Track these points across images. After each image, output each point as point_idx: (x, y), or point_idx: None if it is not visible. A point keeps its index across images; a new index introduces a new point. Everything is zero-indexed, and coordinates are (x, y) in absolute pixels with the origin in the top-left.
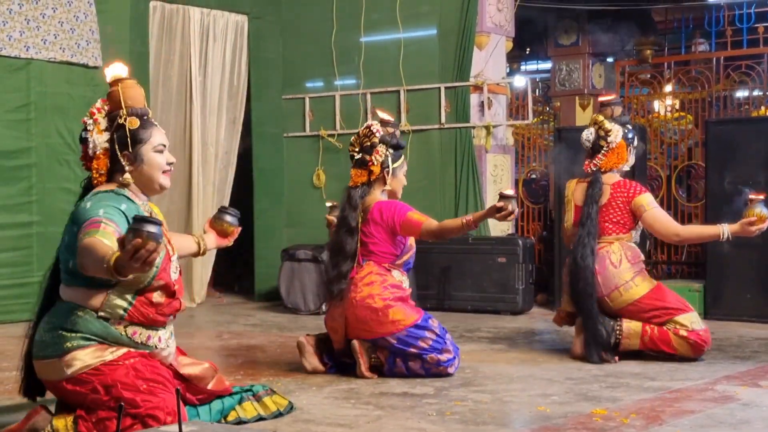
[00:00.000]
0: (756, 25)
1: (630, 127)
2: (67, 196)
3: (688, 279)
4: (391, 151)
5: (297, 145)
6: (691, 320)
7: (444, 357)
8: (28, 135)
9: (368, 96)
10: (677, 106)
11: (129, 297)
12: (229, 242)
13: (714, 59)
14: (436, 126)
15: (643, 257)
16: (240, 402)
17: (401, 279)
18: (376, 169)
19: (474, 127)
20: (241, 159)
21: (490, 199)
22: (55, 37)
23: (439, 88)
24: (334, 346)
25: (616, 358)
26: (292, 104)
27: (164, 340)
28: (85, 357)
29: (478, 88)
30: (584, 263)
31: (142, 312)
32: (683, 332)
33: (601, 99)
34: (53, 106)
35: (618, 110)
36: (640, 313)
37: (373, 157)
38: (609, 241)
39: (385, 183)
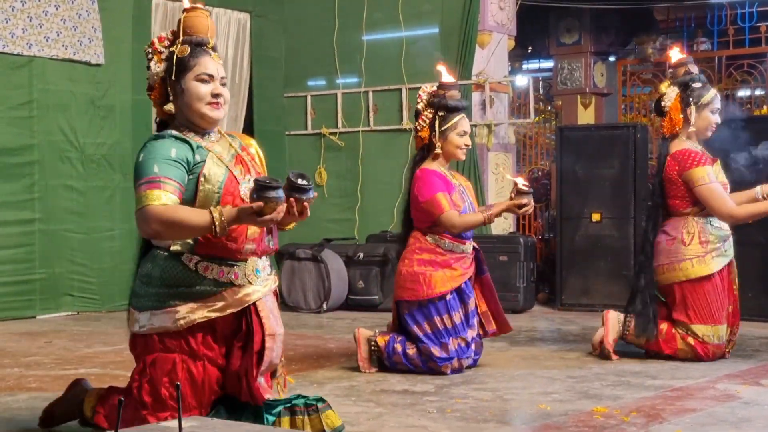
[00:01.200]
0: (758, 24)
1: (693, 85)
2: (69, 193)
3: None
4: (442, 113)
5: (299, 143)
6: (705, 333)
7: (438, 352)
8: (31, 132)
9: (370, 94)
10: None
11: None
12: (288, 218)
13: (716, 58)
14: None
15: (712, 237)
16: (292, 414)
17: (437, 242)
18: (424, 134)
19: (476, 126)
20: None
21: (492, 197)
22: (58, 35)
23: None
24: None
25: (616, 356)
26: (294, 102)
27: (243, 276)
28: (149, 319)
29: (479, 86)
30: (646, 237)
31: (213, 242)
32: (691, 340)
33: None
34: (55, 104)
35: (680, 71)
36: (667, 298)
37: (418, 123)
38: (680, 216)
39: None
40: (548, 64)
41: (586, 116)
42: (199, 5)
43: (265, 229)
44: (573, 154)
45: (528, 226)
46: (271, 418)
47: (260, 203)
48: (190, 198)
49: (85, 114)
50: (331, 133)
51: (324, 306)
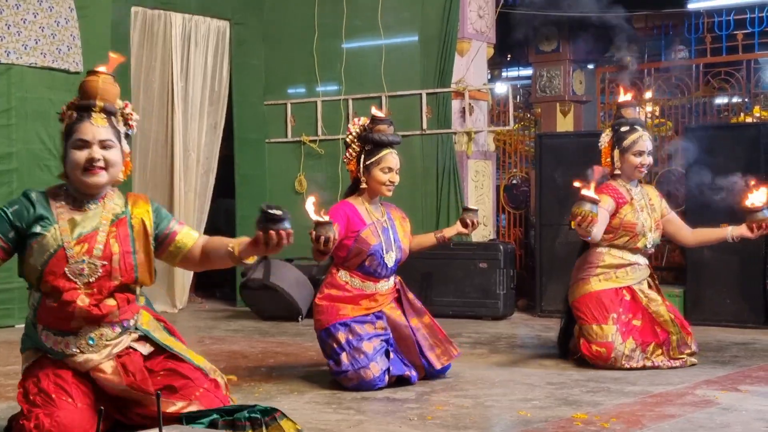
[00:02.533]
0: (735, 32)
1: (620, 129)
2: None
3: (668, 284)
4: (368, 147)
5: (279, 150)
6: (588, 331)
7: (335, 367)
8: (9, 140)
9: (350, 102)
10: (657, 113)
11: (37, 296)
12: (266, 249)
13: (693, 66)
14: (418, 132)
15: (602, 264)
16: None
17: (347, 279)
18: (351, 167)
19: (455, 133)
20: (223, 164)
21: (472, 204)
22: (36, 43)
23: (421, 94)
24: None
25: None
26: (274, 110)
27: (75, 345)
28: (23, 359)
29: (459, 94)
30: None
31: (45, 315)
32: (580, 341)
33: None
34: (34, 112)
35: (618, 114)
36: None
37: (346, 156)
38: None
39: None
40: (527, 71)
41: (565, 124)
42: (100, 69)
43: (114, 306)
44: (552, 161)
45: (508, 233)
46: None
47: None
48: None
49: None
50: (311, 141)
51: (300, 318)
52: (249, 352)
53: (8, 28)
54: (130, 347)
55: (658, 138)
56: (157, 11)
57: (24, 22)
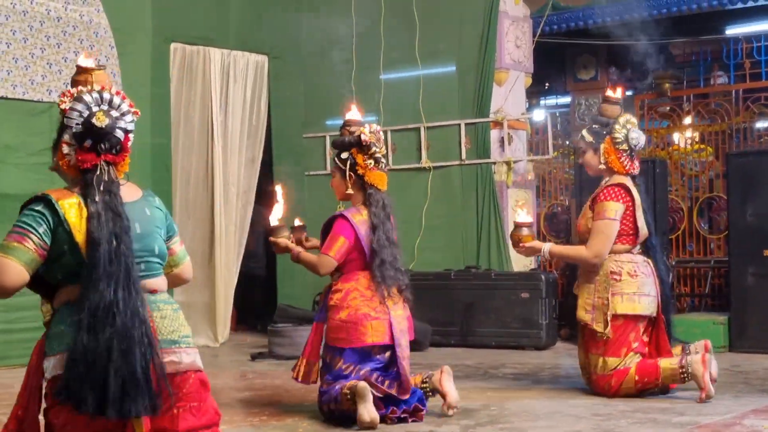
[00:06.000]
0: None
1: None
2: None
3: (711, 311)
4: None
5: (318, 183)
6: None
7: None
8: (52, 178)
9: (389, 133)
10: (697, 139)
11: None
12: None
13: (733, 91)
14: (457, 162)
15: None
16: None
17: None
18: None
19: (495, 163)
20: (262, 198)
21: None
22: None
23: (459, 124)
24: None
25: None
26: (313, 143)
27: None
28: None
29: (498, 123)
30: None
31: None
32: None
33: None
34: None
35: None
36: None
37: None
38: None
39: None
40: (566, 99)
41: None
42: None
43: None
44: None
45: (549, 262)
46: None
47: None
48: None
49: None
50: None
51: None
52: (292, 387)
53: (50, 66)
54: None
55: (698, 163)
56: (196, 47)
57: (65, 61)
